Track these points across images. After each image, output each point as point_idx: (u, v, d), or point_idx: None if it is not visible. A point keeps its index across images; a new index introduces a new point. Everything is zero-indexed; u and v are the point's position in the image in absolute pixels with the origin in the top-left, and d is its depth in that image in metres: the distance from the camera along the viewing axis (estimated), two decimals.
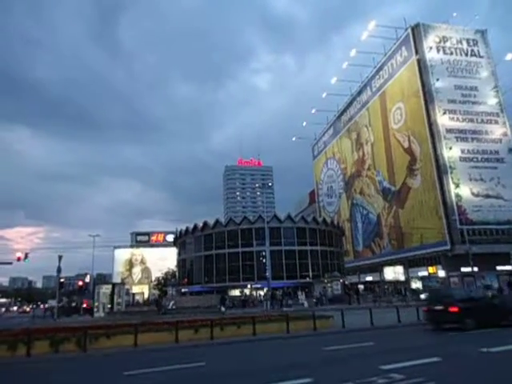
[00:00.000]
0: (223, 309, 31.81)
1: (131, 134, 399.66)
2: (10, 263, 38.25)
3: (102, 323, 18.58)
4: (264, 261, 49.94)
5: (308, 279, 54.19)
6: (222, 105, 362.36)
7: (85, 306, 47.35)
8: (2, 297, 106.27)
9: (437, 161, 52.18)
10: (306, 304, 37.47)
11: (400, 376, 7.28)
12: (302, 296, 41.45)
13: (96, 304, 37.99)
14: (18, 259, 35.22)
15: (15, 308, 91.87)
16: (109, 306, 38.38)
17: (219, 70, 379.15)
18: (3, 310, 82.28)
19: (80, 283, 59.84)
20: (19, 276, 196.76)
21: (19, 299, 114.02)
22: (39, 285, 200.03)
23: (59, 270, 34.59)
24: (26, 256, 35.73)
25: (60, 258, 34.78)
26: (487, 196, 51.56)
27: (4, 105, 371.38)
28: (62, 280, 39.29)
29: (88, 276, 64.23)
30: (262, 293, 50.53)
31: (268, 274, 43.03)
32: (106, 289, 40.02)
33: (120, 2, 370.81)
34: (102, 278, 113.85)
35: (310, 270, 55.81)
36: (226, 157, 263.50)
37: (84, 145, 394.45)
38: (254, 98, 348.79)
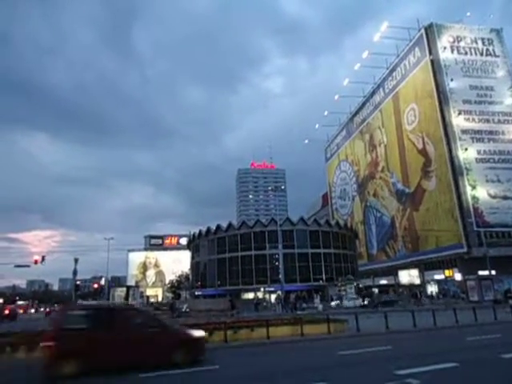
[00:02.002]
0: (234, 312, 31.91)
1: (144, 138, 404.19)
2: (28, 266, 39.13)
3: None
4: (277, 264, 49.85)
5: (321, 282, 53.86)
6: (234, 109, 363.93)
7: (7, 312, 41.77)
8: (19, 299, 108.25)
9: (452, 162, 51.42)
10: (320, 307, 37.15)
11: (416, 381, 7.18)
12: (317, 299, 41.05)
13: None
14: (35, 262, 35.91)
15: (33, 310, 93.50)
16: None
17: (231, 74, 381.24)
18: (21, 311, 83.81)
19: (95, 286, 60.72)
20: (36, 279, 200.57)
21: (36, 301, 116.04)
22: (56, 287, 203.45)
23: (75, 272, 35.10)
24: (43, 259, 36.41)
25: (76, 260, 35.30)
26: (505, 197, 50.56)
27: (22, 111, 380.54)
28: (78, 282, 39.84)
29: (103, 279, 65.06)
30: (274, 296, 50.41)
31: (281, 277, 42.90)
32: (120, 291, 40.57)
33: (132, 9, 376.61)
34: (117, 281, 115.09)
35: (324, 273, 55.48)
36: (239, 160, 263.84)
37: (98, 149, 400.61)
38: (266, 102, 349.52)
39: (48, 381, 8.76)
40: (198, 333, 11.12)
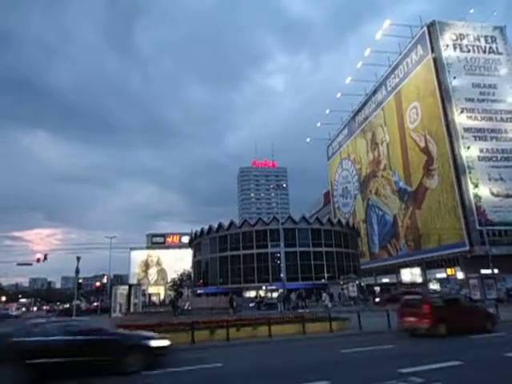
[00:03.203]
0: (231, 311, 32.02)
1: (148, 138, 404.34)
2: (30, 264, 39.20)
3: (119, 324, 18.78)
4: (279, 262, 49.86)
5: (323, 281, 53.85)
6: (236, 107, 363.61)
7: None
8: (22, 297, 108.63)
9: (454, 160, 51.27)
10: (329, 305, 36.78)
11: (419, 379, 7.16)
12: (326, 297, 40.26)
13: (113, 305, 38.50)
14: (38, 260, 35.94)
15: (35, 308, 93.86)
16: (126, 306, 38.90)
17: (234, 72, 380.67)
18: (24, 309, 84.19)
19: (97, 284, 60.83)
20: (39, 277, 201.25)
21: (39, 299, 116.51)
22: (58, 285, 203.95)
23: (77, 270, 35.08)
24: (45, 257, 36.44)
25: (78, 259, 35.27)
26: (507, 196, 50.40)
27: (24, 110, 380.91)
28: (80, 281, 39.92)
29: (105, 277, 65.21)
30: (276, 294, 50.39)
31: (283, 275, 42.90)
32: (122, 290, 40.47)
33: (134, 8, 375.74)
34: (119, 279, 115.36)
35: (325, 272, 55.47)
36: (241, 158, 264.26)
37: (101, 148, 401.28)
38: (268, 100, 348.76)
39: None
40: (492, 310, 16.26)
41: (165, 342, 9.92)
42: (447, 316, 13.61)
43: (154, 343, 9.61)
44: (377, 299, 41.49)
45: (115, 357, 8.91)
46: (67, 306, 56.45)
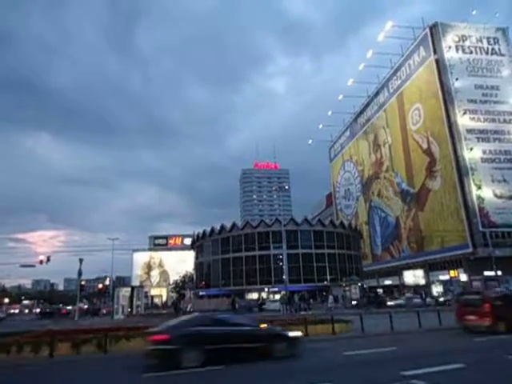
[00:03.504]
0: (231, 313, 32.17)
1: (148, 138, 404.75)
2: (33, 266, 39.41)
3: (122, 325, 18.80)
4: (281, 264, 49.80)
5: (326, 283, 53.74)
6: (237, 108, 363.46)
7: None
8: (25, 299, 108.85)
9: (457, 162, 51.16)
10: (333, 307, 36.71)
11: (422, 382, 7.13)
12: (331, 298, 40.07)
13: (116, 306, 38.58)
14: (41, 262, 36.10)
15: (38, 310, 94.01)
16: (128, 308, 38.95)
17: (234, 73, 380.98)
18: (26, 311, 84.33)
19: (100, 286, 60.96)
20: (41, 278, 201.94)
21: (42, 301, 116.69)
22: (61, 287, 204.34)
23: (80, 272, 35.26)
24: (48, 259, 36.59)
25: (81, 261, 35.45)
26: (511, 198, 50.24)
27: (25, 111, 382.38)
28: (82, 283, 40.01)
29: (108, 279, 65.32)
30: (278, 296, 50.29)
31: (285, 277, 42.83)
32: (125, 292, 40.55)
33: (135, 9, 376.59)
34: (121, 281, 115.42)
35: (328, 274, 55.34)
36: (243, 160, 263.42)
37: (102, 149, 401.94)
38: (269, 102, 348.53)
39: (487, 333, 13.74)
40: None
41: (298, 333, 11.95)
42: (506, 314, 14.13)
43: (291, 334, 11.46)
44: (354, 302, 41.37)
45: (267, 344, 10.66)
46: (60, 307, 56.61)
